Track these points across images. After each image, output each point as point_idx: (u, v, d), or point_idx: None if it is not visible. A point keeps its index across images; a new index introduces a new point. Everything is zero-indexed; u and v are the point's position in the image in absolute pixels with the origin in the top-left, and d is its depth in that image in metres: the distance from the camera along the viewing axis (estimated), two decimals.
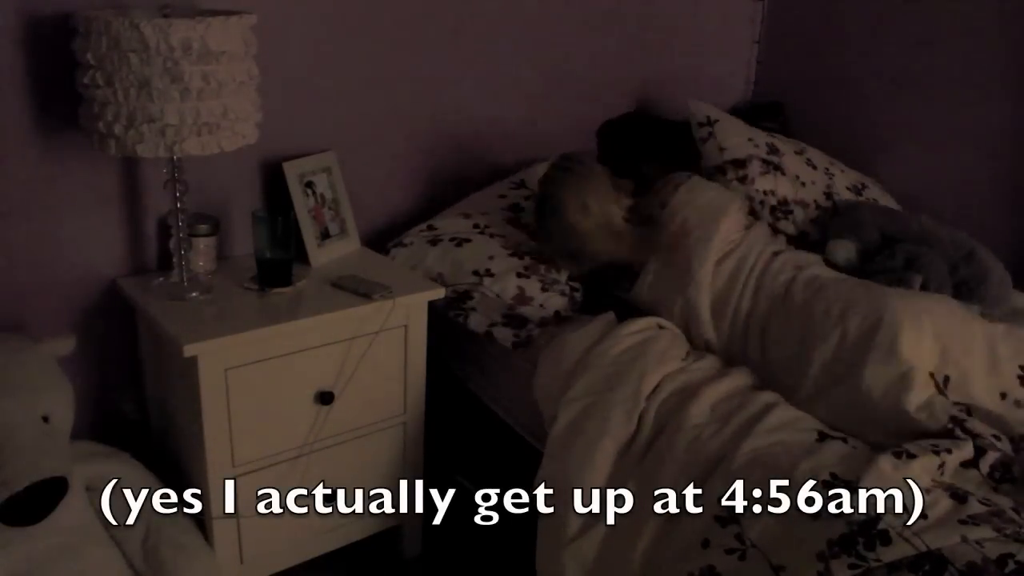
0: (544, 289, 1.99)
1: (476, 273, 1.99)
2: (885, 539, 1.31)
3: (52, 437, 1.52)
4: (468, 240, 2.06)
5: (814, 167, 2.33)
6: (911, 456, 1.46)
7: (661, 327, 1.87)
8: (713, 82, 2.84)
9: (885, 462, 1.44)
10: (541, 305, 1.97)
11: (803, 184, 2.24)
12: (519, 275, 1.99)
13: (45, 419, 1.53)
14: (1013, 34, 2.33)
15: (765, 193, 2.16)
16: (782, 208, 2.17)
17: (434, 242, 2.06)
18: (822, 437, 1.56)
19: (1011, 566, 1.25)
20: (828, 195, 2.27)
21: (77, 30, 1.52)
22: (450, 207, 2.23)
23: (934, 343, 1.66)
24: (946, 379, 1.64)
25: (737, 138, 2.25)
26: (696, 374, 1.75)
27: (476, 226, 2.11)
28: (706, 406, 1.64)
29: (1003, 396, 1.65)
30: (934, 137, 2.53)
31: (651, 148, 2.39)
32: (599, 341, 1.78)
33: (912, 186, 2.56)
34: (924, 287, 1.92)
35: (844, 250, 2.04)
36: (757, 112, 2.74)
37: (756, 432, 1.55)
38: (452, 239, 2.07)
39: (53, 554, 1.50)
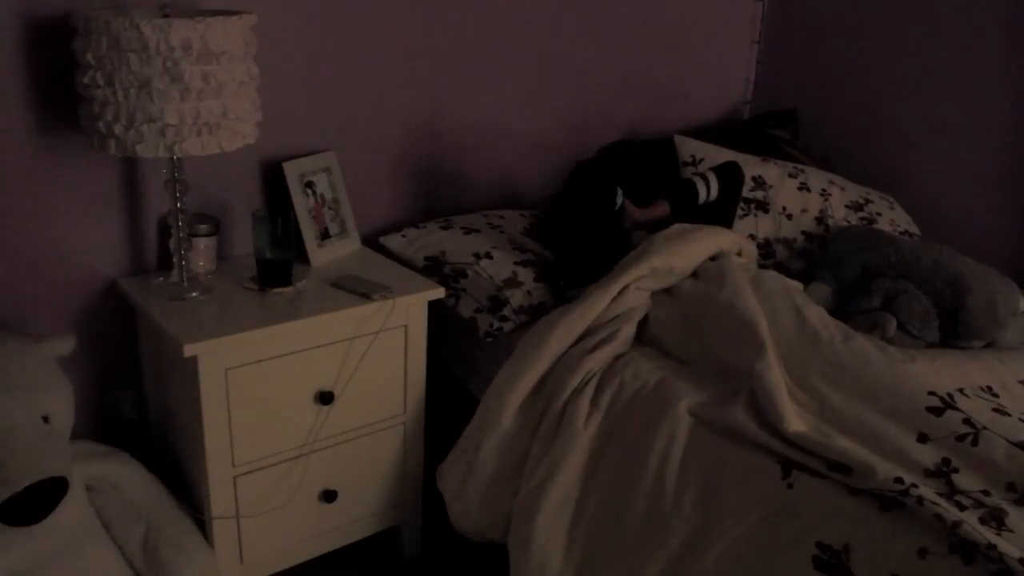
0: (537, 279, 2.01)
1: (476, 255, 2.04)
2: None
3: (52, 437, 1.52)
4: (478, 231, 2.16)
5: (809, 190, 2.37)
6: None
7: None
8: (713, 81, 2.84)
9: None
10: (529, 292, 1.98)
11: (788, 217, 2.31)
12: (517, 263, 2.03)
13: (45, 419, 1.53)
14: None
15: (749, 237, 2.25)
16: (765, 248, 2.27)
17: (445, 227, 2.18)
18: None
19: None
20: (820, 220, 2.33)
21: (77, 30, 1.52)
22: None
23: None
24: None
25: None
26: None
27: (490, 224, 2.21)
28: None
29: None
30: (933, 135, 2.53)
31: (630, 182, 2.41)
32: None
33: (915, 184, 2.57)
34: (901, 327, 1.91)
35: (818, 295, 2.05)
36: (769, 120, 2.74)
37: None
38: (463, 228, 2.17)
39: (53, 554, 1.50)
